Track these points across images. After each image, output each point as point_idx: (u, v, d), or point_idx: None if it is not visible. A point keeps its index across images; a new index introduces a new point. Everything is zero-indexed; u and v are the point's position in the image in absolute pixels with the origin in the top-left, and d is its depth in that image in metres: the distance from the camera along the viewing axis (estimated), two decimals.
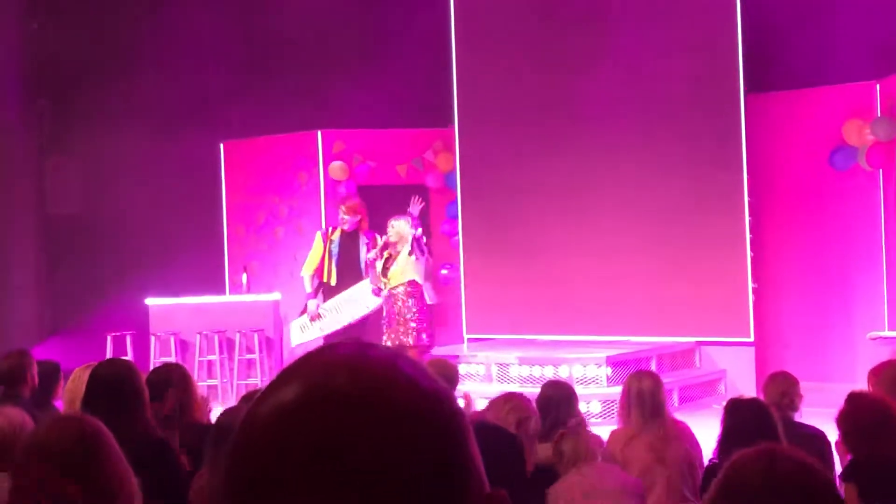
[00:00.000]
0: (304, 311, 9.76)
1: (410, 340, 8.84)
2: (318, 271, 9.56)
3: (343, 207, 9.62)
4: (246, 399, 4.27)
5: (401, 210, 9.45)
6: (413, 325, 8.92)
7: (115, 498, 2.52)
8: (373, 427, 0.86)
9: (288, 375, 0.92)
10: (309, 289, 9.61)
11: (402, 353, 0.95)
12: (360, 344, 0.94)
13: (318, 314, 9.49)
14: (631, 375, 5.15)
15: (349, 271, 9.45)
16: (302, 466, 0.85)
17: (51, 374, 5.89)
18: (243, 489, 0.87)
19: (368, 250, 9.35)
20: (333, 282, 9.46)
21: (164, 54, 12.59)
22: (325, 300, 9.53)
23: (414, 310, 8.95)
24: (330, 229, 9.69)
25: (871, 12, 9.84)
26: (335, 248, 9.49)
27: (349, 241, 9.52)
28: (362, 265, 9.41)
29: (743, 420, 4.10)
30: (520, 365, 9.72)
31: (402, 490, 0.85)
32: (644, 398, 4.81)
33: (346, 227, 9.54)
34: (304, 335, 9.66)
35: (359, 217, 9.56)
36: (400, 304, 8.95)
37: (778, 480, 1.69)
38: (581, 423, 4.80)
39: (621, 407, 4.99)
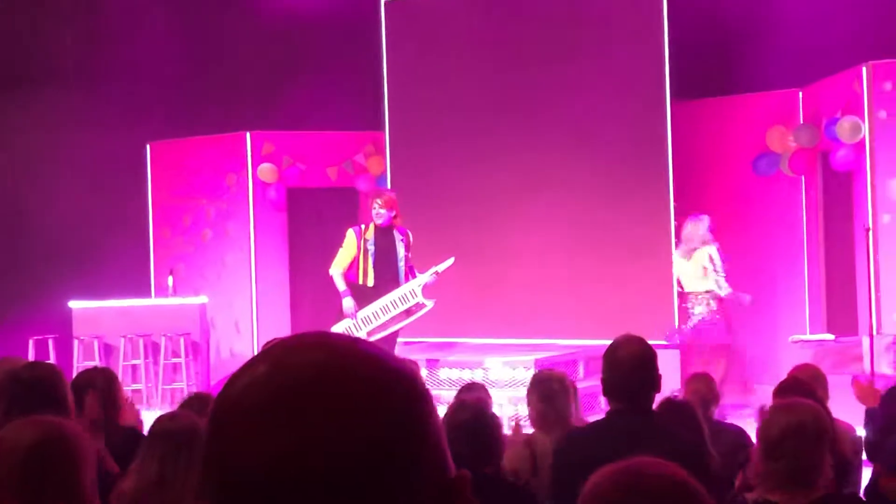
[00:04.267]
0: (340, 314, 8.89)
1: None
2: (351, 272, 8.75)
3: (379, 201, 8.73)
4: (186, 405, 4.20)
5: (334, 212, 9.30)
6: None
7: None
8: (337, 396, 0.90)
9: (256, 358, 0.97)
10: (343, 286, 8.71)
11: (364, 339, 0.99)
12: (323, 331, 0.99)
13: (355, 312, 8.66)
14: (538, 373, 5.09)
15: (387, 271, 8.72)
16: (270, 432, 0.89)
17: None
18: (217, 463, 0.92)
19: (405, 249, 8.73)
20: (371, 282, 8.69)
21: (92, 54, 12.39)
22: (359, 302, 8.72)
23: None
24: (363, 227, 8.82)
25: (795, 22, 10.05)
26: (371, 247, 8.68)
27: (384, 238, 8.72)
28: (400, 263, 8.75)
29: (672, 420, 4.16)
30: (450, 368, 9.74)
31: (365, 454, 0.89)
32: (553, 399, 4.80)
33: (380, 221, 8.70)
34: None
35: (394, 212, 8.73)
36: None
37: (642, 497, 1.58)
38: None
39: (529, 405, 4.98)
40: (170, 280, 11.68)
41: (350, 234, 8.79)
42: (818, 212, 10.56)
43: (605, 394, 3.64)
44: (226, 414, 0.93)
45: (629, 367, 3.54)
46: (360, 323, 8.66)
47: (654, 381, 3.58)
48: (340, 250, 8.79)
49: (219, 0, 12.33)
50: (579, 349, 10.01)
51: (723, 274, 9.38)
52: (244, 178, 12.30)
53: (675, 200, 10.28)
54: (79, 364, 10.48)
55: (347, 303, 8.67)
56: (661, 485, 1.59)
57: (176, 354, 11.10)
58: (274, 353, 0.95)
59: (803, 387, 4.26)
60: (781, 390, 4.29)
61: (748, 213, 10.85)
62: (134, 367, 11.11)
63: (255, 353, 0.99)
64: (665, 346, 10.07)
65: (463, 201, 11.06)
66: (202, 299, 11.47)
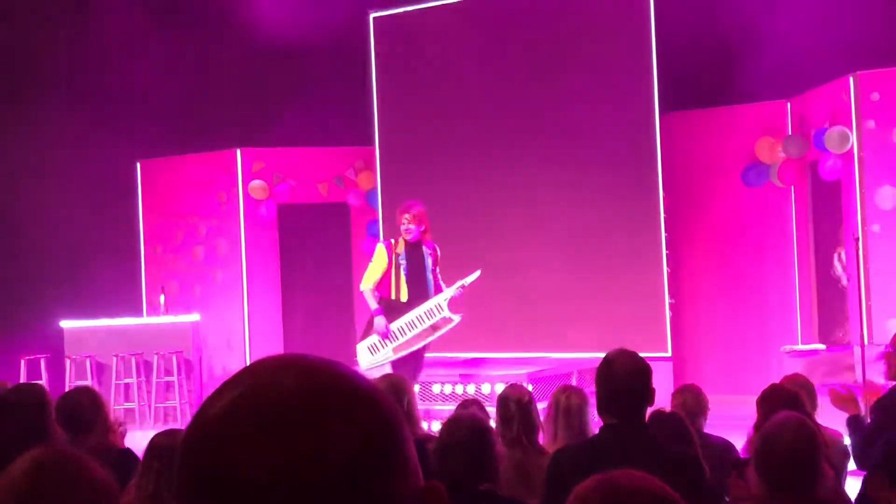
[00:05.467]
0: (367, 330, 8.72)
1: None
2: (382, 287, 8.56)
3: (408, 216, 8.55)
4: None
5: (325, 228, 9.24)
6: None
7: None
8: (313, 414, 0.92)
9: (235, 378, 0.98)
10: (374, 304, 8.53)
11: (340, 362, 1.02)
12: (300, 353, 1.01)
13: (388, 331, 8.50)
14: (558, 389, 5.10)
15: (418, 286, 8.58)
16: (246, 450, 0.91)
17: None
18: (197, 474, 0.93)
19: (433, 263, 8.61)
20: (404, 298, 8.54)
21: (84, 72, 12.39)
22: (390, 318, 8.56)
23: None
24: (393, 241, 8.65)
25: (783, 33, 10.08)
26: (403, 262, 8.53)
27: (414, 253, 8.58)
28: (429, 278, 8.60)
29: (664, 433, 4.15)
30: (441, 383, 9.72)
31: (339, 470, 0.91)
32: (571, 414, 4.82)
33: (409, 237, 8.53)
34: (375, 357, 8.65)
35: (423, 226, 8.59)
36: None
37: None
38: None
39: (547, 422, 4.99)
40: (161, 298, 11.67)
41: (381, 249, 8.62)
42: (808, 222, 10.59)
43: (599, 409, 3.62)
44: (202, 432, 0.94)
45: (624, 381, 3.54)
46: (386, 340, 8.54)
47: (648, 395, 3.58)
48: (371, 265, 8.60)
49: (210, 19, 12.34)
50: (572, 362, 10.01)
51: None
52: (235, 196, 12.30)
53: (664, 211, 10.29)
54: (70, 384, 10.45)
55: (380, 321, 8.49)
56: (641, 499, 1.60)
57: (168, 373, 11.07)
58: (252, 372, 0.97)
59: (784, 395, 4.25)
60: (763, 400, 4.28)
61: (738, 224, 10.87)
62: (126, 385, 11.08)
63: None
64: (656, 359, 10.08)
65: (452, 216, 11.06)
66: (194, 317, 11.44)
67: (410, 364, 8.46)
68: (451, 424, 3.75)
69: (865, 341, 8.76)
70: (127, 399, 11.00)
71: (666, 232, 10.30)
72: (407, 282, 8.51)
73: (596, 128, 10.44)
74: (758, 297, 10.74)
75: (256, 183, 12.14)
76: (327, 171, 12.51)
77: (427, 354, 9.57)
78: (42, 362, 11.18)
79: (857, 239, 8.51)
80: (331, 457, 0.91)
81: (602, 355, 3.71)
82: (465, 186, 11.05)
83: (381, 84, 11.62)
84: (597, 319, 10.33)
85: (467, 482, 3.60)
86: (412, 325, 8.56)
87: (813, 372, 7.70)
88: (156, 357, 11.00)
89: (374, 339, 8.60)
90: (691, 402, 5.02)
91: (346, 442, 0.92)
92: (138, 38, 12.30)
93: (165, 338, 11.16)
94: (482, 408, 5.18)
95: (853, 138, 9.26)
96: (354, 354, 8.71)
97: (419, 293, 8.57)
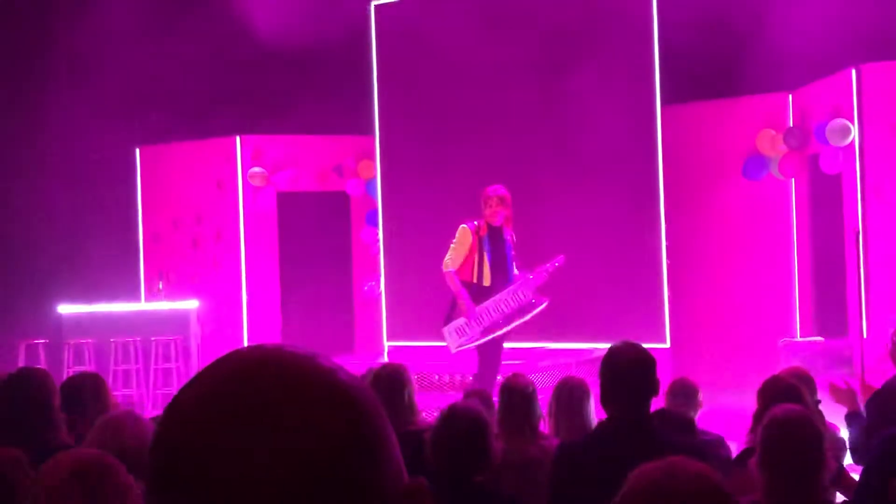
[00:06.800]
0: (450, 312, 8.58)
1: None
2: (464, 270, 8.42)
3: (495, 199, 8.43)
4: None
5: (324, 216, 9.20)
6: None
7: None
8: (291, 408, 0.90)
9: (208, 370, 0.95)
10: (459, 286, 8.39)
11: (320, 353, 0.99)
12: (277, 345, 0.98)
13: (478, 314, 8.38)
14: (560, 381, 5.10)
15: (500, 270, 8.48)
16: (218, 445, 0.88)
17: None
18: (169, 473, 0.90)
19: (511, 246, 8.50)
20: (487, 282, 8.42)
21: (81, 58, 12.36)
22: (474, 302, 8.43)
23: None
24: (476, 224, 8.47)
25: (784, 26, 10.07)
26: (487, 245, 8.41)
27: (497, 238, 8.45)
28: (510, 263, 8.50)
29: (667, 426, 4.16)
30: (440, 372, 9.74)
31: (316, 466, 0.89)
32: (573, 405, 4.82)
33: (496, 220, 8.40)
34: (461, 339, 8.51)
35: (508, 212, 8.48)
36: None
37: (677, 495, 1.64)
38: None
39: (549, 413, 4.99)
40: (160, 284, 11.67)
41: (465, 231, 8.45)
42: (808, 215, 10.59)
43: (603, 402, 3.62)
44: (175, 429, 0.92)
45: (629, 374, 3.54)
46: (473, 322, 8.44)
47: (653, 388, 3.58)
48: (455, 246, 8.44)
49: (211, 6, 12.30)
50: (571, 353, 10.02)
51: None
52: (234, 183, 12.29)
53: (665, 203, 10.29)
54: (69, 369, 10.45)
55: (466, 303, 8.37)
56: (694, 484, 1.66)
57: (167, 359, 11.07)
58: (226, 365, 0.94)
59: (785, 387, 4.26)
60: (764, 391, 4.29)
61: (738, 216, 10.88)
62: (126, 371, 11.08)
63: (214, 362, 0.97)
64: (655, 350, 10.09)
65: (453, 205, 11.04)
66: (193, 304, 11.44)
67: (491, 350, 8.36)
68: (446, 416, 3.74)
69: (864, 335, 8.78)
70: (126, 385, 11.00)
71: (666, 223, 10.30)
72: (490, 266, 8.41)
73: (597, 119, 10.42)
74: (757, 289, 10.75)
75: (256, 170, 12.12)
76: (327, 159, 12.50)
77: (417, 344, 9.55)
78: (41, 347, 11.19)
79: (858, 232, 8.52)
80: (307, 455, 0.89)
81: (600, 346, 3.72)
82: (466, 177, 11.03)
83: (382, 73, 11.59)
84: (596, 310, 10.32)
85: (462, 474, 3.60)
86: (498, 308, 8.45)
87: (811, 364, 7.71)
88: (154, 343, 11.00)
89: (461, 321, 8.48)
90: (686, 396, 5.04)
91: (322, 440, 0.90)
92: (139, 25, 12.26)
93: (164, 324, 11.16)
94: (488, 398, 5.18)
95: (854, 131, 9.26)
96: (352, 341, 8.71)
97: (502, 278, 8.48)
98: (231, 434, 0.89)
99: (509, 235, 8.51)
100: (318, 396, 0.92)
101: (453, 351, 8.54)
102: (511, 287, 8.49)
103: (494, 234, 8.42)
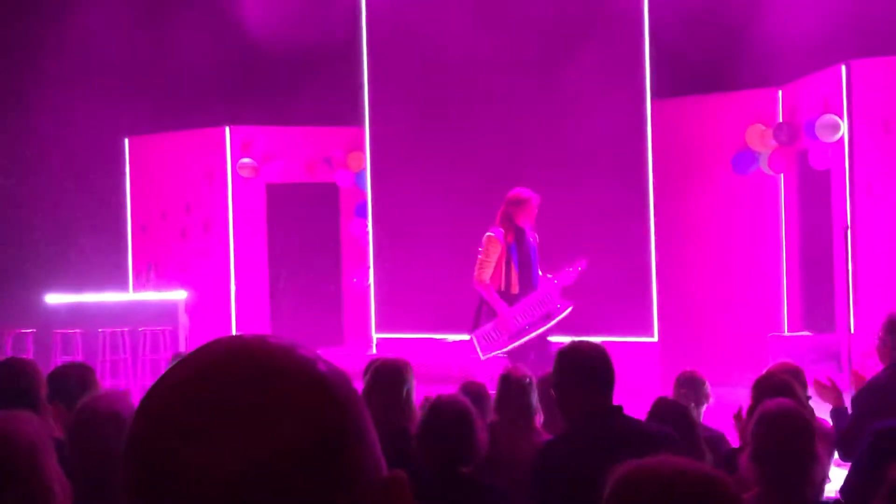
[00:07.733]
0: (478, 319, 8.56)
1: None
2: (493, 278, 8.36)
3: (535, 203, 8.44)
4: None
5: (313, 208, 9.17)
6: None
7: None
8: (271, 392, 0.89)
9: (187, 358, 0.95)
10: (492, 295, 8.36)
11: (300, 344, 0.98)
12: (255, 336, 0.97)
13: (511, 322, 8.35)
14: (546, 375, 5.08)
15: (527, 275, 8.44)
16: (191, 438, 0.88)
17: None
18: (143, 469, 0.90)
19: (535, 248, 8.46)
20: (515, 289, 8.39)
21: (69, 48, 12.31)
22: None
23: None
24: (503, 232, 8.38)
25: (774, 21, 10.08)
26: (515, 252, 8.37)
27: (523, 242, 8.41)
28: (535, 267, 8.45)
29: (666, 421, 4.16)
30: (428, 365, 9.74)
31: (291, 459, 0.88)
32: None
33: (528, 224, 8.40)
34: (490, 346, 8.44)
35: (535, 213, 8.46)
36: None
37: (677, 495, 1.60)
38: None
39: (543, 404, 4.99)
40: (149, 274, 11.65)
41: (494, 241, 8.39)
42: (797, 210, 10.61)
43: (560, 406, 3.65)
44: (150, 413, 0.92)
45: (584, 373, 3.57)
46: (503, 329, 8.42)
47: (610, 381, 3.61)
48: (483, 258, 8.40)
49: None
50: (560, 346, 10.02)
51: None
52: (223, 173, 12.26)
53: (654, 197, 10.31)
54: (57, 359, 10.42)
55: (502, 311, 8.35)
56: (695, 484, 1.62)
57: (155, 350, 11.05)
58: (202, 358, 0.94)
59: (778, 382, 4.28)
60: (757, 386, 4.31)
61: (727, 212, 10.89)
62: (114, 361, 11.06)
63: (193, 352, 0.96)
64: (643, 344, 10.11)
65: (442, 197, 11.05)
66: (181, 294, 11.42)
67: (531, 354, 8.26)
68: (432, 409, 3.75)
69: (851, 330, 8.81)
70: (114, 375, 10.99)
71: (655, 218, 10.31)
72: (517, 272, 8.39)
73: (587, 113, 10.43)
74: (745, 284, 10.77)
75: (245, 161, 12.10)
76: (316, 150, 12.47)
77: (406, 336, 9.56)
78: (28, 337, 11.16)
79: (847, 228, 8.54)
80: (282, 444, 0.88)
81: (588, 339, 3.74)
82: (455, 169, 11.03)
83: (372, 64, 11.57)
84: (584, 304, 10.33)
85: (448, 466, 3.60)
86: (525, 314, 8.43)
87: (798, 359, 7.73)
88: (143, 333, 10.98)
89: (488, 328, 8.47)
90: (694, 389, 5.06)
91: (298, 429, 0.89)
92: (128, 15, 12.22)
93: (153, 315, 11.15)
94: (484, 390, 5.18)
95: (844, 127, 9.28)
96: (341, 333, 8.70)
97: (529, 283, 8.45)
98: (205, 422, 0.88)
99: (532, 237, 8.48)
100: (295, 386, 0.91)
101: (482, 358, 8.48)
102: (537, 293, 8.46)
103: (520, 237, 8.39)
